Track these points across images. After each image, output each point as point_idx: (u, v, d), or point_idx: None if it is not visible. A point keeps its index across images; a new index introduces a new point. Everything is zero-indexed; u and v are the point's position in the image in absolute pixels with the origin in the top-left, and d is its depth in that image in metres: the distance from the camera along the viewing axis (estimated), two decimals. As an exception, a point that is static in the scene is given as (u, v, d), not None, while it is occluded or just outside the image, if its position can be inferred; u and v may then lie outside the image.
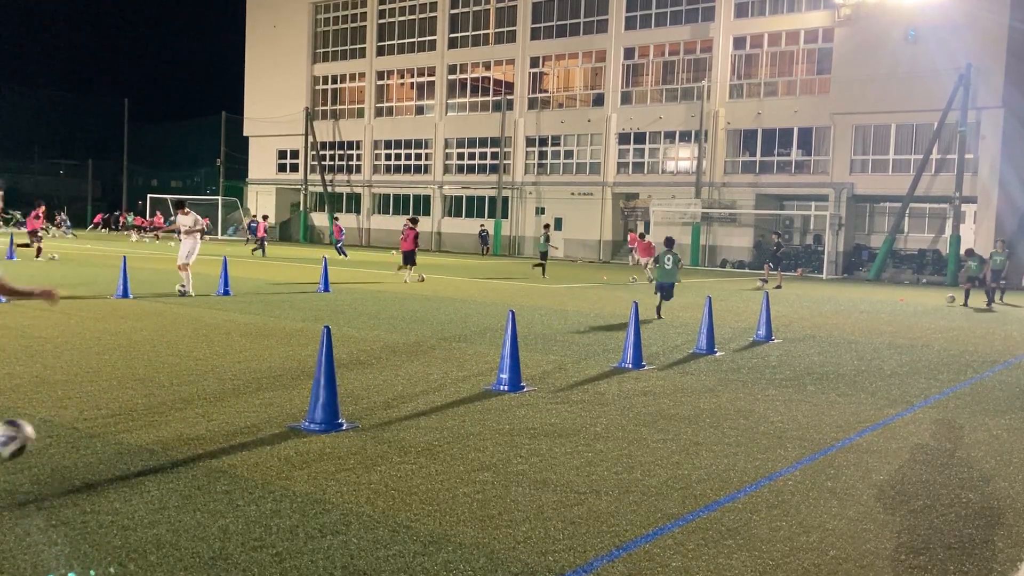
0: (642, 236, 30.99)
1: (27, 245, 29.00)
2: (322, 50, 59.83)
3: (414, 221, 25.44)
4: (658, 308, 17.15)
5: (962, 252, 25.76)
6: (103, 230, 62.23)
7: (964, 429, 8.20)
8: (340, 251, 37.10)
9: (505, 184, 50.74)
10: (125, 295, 16.81)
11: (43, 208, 29.34)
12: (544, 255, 29.34)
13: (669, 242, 17.41)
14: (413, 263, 24.47)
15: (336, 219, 44.99)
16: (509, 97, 50.71)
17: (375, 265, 32.36)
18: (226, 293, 18.26)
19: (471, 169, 53.28)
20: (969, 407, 9.25)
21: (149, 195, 66.06)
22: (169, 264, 28.05)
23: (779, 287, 27.89)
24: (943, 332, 16.75)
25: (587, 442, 7.09)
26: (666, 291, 17.09)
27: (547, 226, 31.79)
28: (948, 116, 35.62)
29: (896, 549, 4.99)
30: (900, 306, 23.04)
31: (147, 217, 57.95)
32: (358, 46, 57.84)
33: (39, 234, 28.84)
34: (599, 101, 47.89)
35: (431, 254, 46.75)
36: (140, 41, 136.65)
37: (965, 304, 23.60)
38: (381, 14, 56.56)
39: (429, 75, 54.75)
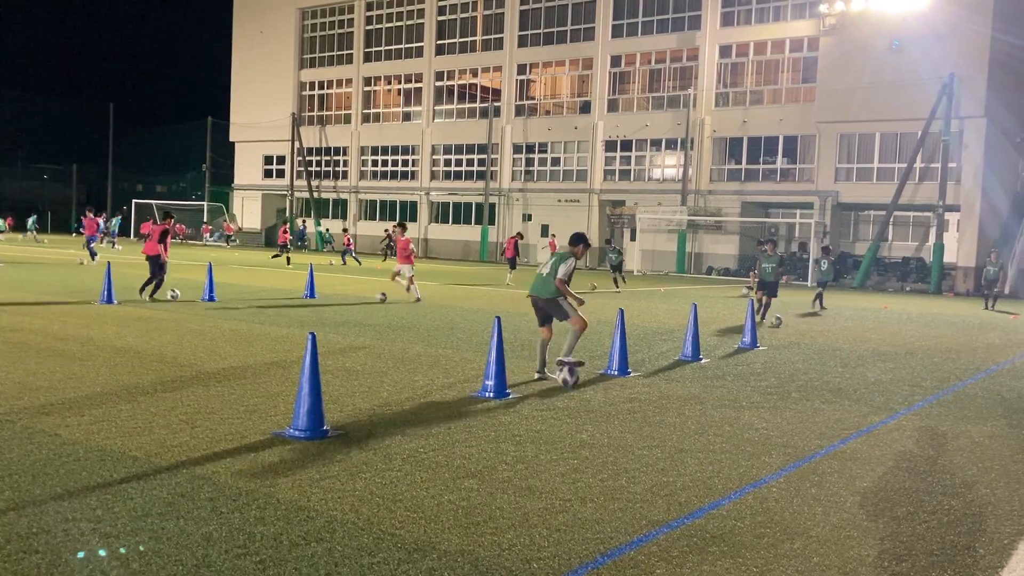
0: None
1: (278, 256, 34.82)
2: (309, 56, 59.76)
3: (520, 236, 30.42)
4: (818, 298, 23.15)
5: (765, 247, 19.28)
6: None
7: (947, 436, 8.25)
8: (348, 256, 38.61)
9: (492, 191, 50.78)
10: (109, 300, 16.72)
11: (287, 225, 35.69)
12: (616, 268, 28.67)
13: (825, 250, 23.86)
14: (514, 267, 28.67)
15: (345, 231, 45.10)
16: (496, 104, 50.78)
17: (362, 272, 32.27)
18: (211, 299, 18.21)
19: (458, 175, 53.30)
20: (952, 414, 9.31)
21: (134, 200, 65.70)
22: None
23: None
24: (927, 340, 16.87)
25: (572, 449, 7.10)
26: (823, 288, 23.45)
27: (609, 241, 33.09)
28: (932, 125, 35.91)
29: (879, 556, 5.01)
30: (884, 313, 23.18)
31: None
32: (345, 52, 57.80)
33: (288, 246, 34.01)
34: (586, 108, 48.02)
35: (418, 260, 46.65)
36: (126, 45, 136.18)
37: (763, 317, 18.74)
38: (368, 20, 56.56)
39: (416, 81, 54.76)
